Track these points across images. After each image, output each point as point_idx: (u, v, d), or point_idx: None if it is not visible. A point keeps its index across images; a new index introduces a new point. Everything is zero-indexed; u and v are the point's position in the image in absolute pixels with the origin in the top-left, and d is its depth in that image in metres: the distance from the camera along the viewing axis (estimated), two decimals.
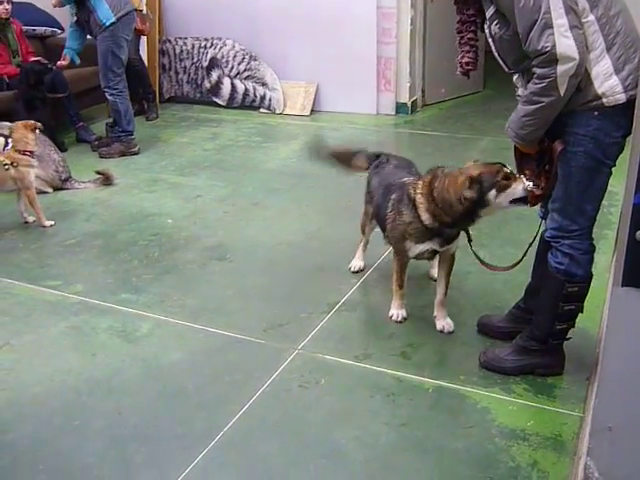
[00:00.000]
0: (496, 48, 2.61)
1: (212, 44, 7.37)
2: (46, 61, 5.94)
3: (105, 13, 5.53)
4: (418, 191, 3.06)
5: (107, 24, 5.56)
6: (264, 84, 7.24)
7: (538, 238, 2.86)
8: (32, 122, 4.63)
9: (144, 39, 7.10)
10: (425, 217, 3.02)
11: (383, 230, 3.37)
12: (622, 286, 1.93)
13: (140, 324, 3.40)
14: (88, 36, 5.87)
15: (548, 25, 2.31)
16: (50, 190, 5.11)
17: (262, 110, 7.27)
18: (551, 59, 2.33)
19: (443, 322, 3.26)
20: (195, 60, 7.49)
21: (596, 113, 2.44)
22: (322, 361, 3.06)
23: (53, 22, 6.97)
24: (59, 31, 6.94)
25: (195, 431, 2.65)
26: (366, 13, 6.68)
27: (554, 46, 2.31)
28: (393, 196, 3.21)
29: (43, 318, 3.48)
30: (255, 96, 7.28)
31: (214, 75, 7.40)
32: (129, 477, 2.45)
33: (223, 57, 7.32)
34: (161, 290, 3.71)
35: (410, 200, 3.08)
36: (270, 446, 2.56)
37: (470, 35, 2.68)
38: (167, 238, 4.36)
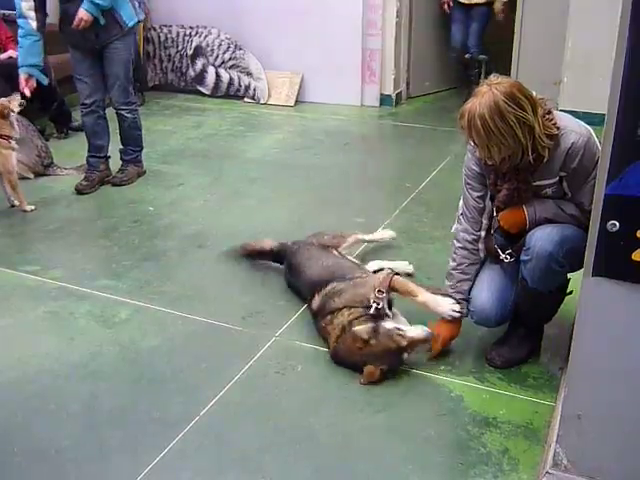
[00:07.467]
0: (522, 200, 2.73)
1: (197, 32, 7.33)
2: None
3: (129, 13, 4.72)
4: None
5: (130, 25, 4.75)
6: (249, 74, 7.23)
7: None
8: (3, 105, 4.48)
9: None
10: None
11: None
12: (592, 276, 1.96)
13: (119, 310, 3.40)
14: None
15: None
16: (31, 176, 5.08)
17: (246, 100, 7.26)
18: None
19: None
20: (180, 48, 7.46)
21: None
22: (299, 348, 3.08)
23: None
24: None
25: (171, 416, 2.66)
26: (352, 4, 6.68)
27: None
28: None
29: (21, 303, 3.47)
30: (240, 85, 7.27)
31: (199, 64, 7.37)
32: (103, 460, 2.46)
33: (208, 46, 7.29)
34: (140, 276, 3.71)
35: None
36: (245, 431, 2.58)
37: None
38: (148, 225, 4.36)
